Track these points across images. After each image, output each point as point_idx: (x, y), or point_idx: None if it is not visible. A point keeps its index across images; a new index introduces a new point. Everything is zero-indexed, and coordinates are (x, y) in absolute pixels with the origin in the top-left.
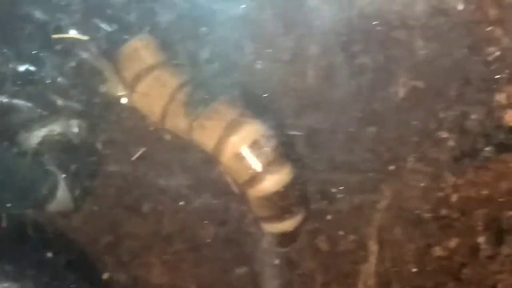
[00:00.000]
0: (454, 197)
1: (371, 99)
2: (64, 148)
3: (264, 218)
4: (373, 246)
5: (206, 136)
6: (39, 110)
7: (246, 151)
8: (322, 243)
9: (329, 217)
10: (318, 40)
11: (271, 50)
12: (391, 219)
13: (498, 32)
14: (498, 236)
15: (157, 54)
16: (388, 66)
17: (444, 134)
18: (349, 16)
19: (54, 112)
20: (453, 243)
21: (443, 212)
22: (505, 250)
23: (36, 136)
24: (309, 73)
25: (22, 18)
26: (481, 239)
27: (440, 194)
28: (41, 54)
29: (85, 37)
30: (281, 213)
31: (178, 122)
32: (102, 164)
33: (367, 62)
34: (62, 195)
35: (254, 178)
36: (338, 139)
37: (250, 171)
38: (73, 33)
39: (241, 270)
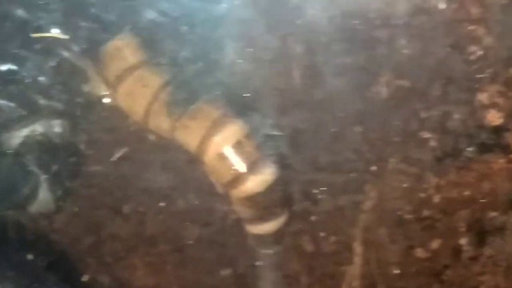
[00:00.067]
0: (436, 198)
1: (353, 99)
2: (46, 149)
3: (248, 219)
4: (358, 248)
5: (189, 136)
6: (20, 110)
7: (229, 151)
8: (307, 245)
9: (313, 218)
10: (300, 39)
11: (252, 49)
12: (376, 220)
13: (481, 31)
14: (480, 237)
15: (139, 53)
16: (370, 65)
17: (426, 134)
18: (331, 15)
19: (35, 112)
20: (435, 244)
21: (426, 213)
22: (487, 251)
23: (17, 137)
24: (291, 73)
25: (2, 16)
26: (463, 240)
27: (422, 195)
28: (22, 53)
29: (65, 36)
30: (265, 214)
31: (161, 122)
32: (85, 164)
33: (349, 62)
34: (44, 196)
35: (237, 179)
36: (321, 139)
37: (233, 172)
38: (53, 32)
39: (225, 272)
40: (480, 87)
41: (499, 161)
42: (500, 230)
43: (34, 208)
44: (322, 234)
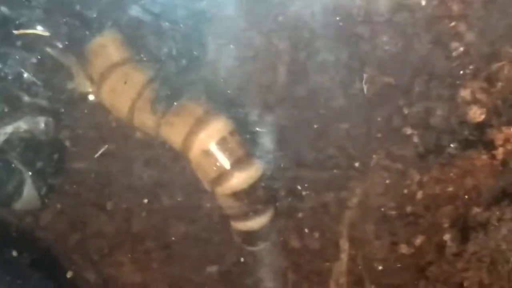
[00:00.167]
0: (419, 194)
1: (337, 95)
2: (30, 145)
3: (233, 216)
4: (344, 244)
5: (173, 133)
6: (4, 107)
7: (214, 148)
8: (293, 241)
9: (299, 215)
10: (283, 36)
11: (235, 46)
12: (361, 216)
13: (462, 27)
14: (464, 233)
15: (123, 50)
16: (351, 62)
17: (409, 131)
18: (312, 11)
19: (19, 109)
20: (419, 240)
21: (409, 209)
22: (471, 247)
23: (1, 133)
24: (275, 69)
25: None
26: (447, 237)
27: (406, 191)
28: (4, 50)
29: (46, 33)
30: (250, 211)
31: (145, 119)
32: (69, 161)
33: (332, 59)
34: (29, 193)
35: (222, 175)
36: (305, 135)
37: (218, 168)
38: (37, 29)
39: (211, 269)
40: (462, 83)
41: (482, 157)
42: (484, 226)
43: (19, 205)
44: (308, 230)
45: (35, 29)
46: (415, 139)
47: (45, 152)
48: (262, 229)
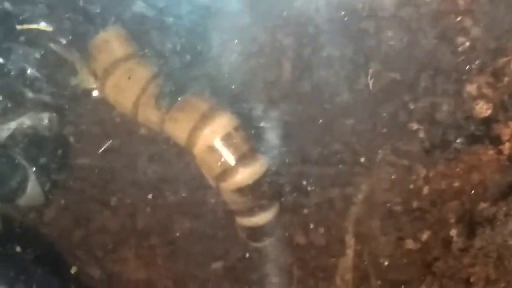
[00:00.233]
0: (425, 190)
1: (342, 91)
2: (34, 141)
3: (238, 212)
4: (350, 240)
5: (178, 128)
6: (7, 103)
7: (218, 144)
8: (299, 237)
9: (305, 211)
10: (286, 31)
11: (240, 41)
12: (367, 212)
13: (468, 22)
14: (470, 228)
15: (127, 45)
16: (356, 57)
17: (415, 126)
18: (317, 6)
19: (23, 105)
20: (425, 235)
21: (415, 204)
22: (477, 243)
23: (5, 129)
24: (279, 65)
25: None
26: (453, 232)
27: (412, 186)
28: (8, 46)
29: (50, 28)
30: (255, 207)
31: (149, 115)
32: (73, 157)
33: (335, 54)
34: (33, 189)
35: (227, 171)
36: (310, 131)
37: (222, 164)
38: (39, 25)
39: (216, 265)
40: (468, 78)
41: (488, 153)
42: (490, 221)
43: (23, 201)
44: (313, 226)
45: (39, 24)
46: (421, 135)
47: (49, 148)
48: (267, 225)
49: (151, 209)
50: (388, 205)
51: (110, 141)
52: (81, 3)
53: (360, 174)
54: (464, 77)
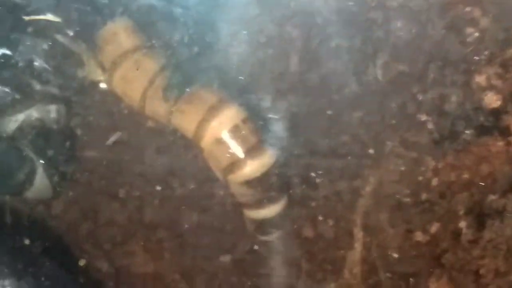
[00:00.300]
0: (434, 181)
1: (350, 82)
2: (42, 134)
3: (246, 204)
4: (357, 233)
5: (185, 121)
6: (15, 94)
7: (226, 136)
8: (307, 230)
9: (313, 203)
10: (294, 22)
11: (248, 32)
12: (375, 204)
13: (477, 12)
14: (479, 220)
15: (135, 37)
16: (365, 48)
17: (423, 117)
18: None
19: (31, 97)
20: (434, 228)
21: (424, 196)
22: (487, 234)
23: (13, 121)
24: (287, 56)
25: None
26: (462, 224)
27: (421, 178)
28: (15, 37)
29: (57, 19)
30: (263, 199)
31: (157, 107)
32: (81, 149)
33: (343, 44)
34: (41, 181)
35: (235, 164)
36: (319, 123)
37: (230, 156)
38: (46, 16)
39: (224, 258)
40: (477, 69)
41: (497, 144)
42: (500, 213)
43: (31, 193)
44: (323, 219)
45: (47, 15)
46: (430, 126)
47: (57, 140)
48: (275, 218)
49: (159, 201)
50: (397, 197)
51: (119, 133)
52: None
53: (368, 166)
54: (473, 68)
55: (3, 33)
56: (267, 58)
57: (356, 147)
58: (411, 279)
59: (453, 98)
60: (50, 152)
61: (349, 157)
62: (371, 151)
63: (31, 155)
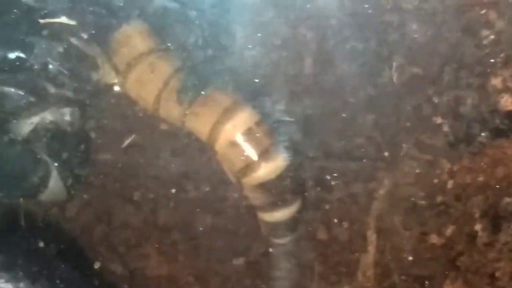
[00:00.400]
0: (450, 184)
1: (365, 84)
2: (56, 136)
3: (260, 207)
4: (371, 235)
5: (200, 123)
6: (30, 97)
7: (240, 139)
8: (321, 233)
9: (327, 206)
10: (309, 25)
11: (262, 35)
12: (389, 207)
13: (492, 15)
14: (495, 223)
15: (149, 40)
16: (380, 50)
17: (439, 120)
18: None
19: (45, 100)
20: (449, 230)
21: (439, 199)
22: (502, 237)
23: (27, 124)
24: (302, 58)
25: (9, 3)
26: (478, 227)
27: (436, 180)
28: (30, 40)
29: (72, 22)
30: (277, 201)
31: (171, 110)
32: (96, 152)
33: (358, 47)
34: (55, 184)
35: (249, 166)
36: (333, 125)
37: (244, 159)
38: (61, 19)
39: (238, 261)
40: (493, 72)
41: None
42: None
43: (45, 196)
44: (336, 222)
45: (62, 18)
46: (445, 128)
47: (71, 143)
48: (289, 220)
49: (173, 204)
50: (412, 199)
51: (133, 136)
52: None
53: (383, 168)
54: (488, 71)
55: (18, 36)
56: (282, 60)
57: (371, 149)
58: (426, 281)
59: (469, 101)
60: (64, 155)
61: (364, 160)
62: (386, 153)
63: (45, 157)
